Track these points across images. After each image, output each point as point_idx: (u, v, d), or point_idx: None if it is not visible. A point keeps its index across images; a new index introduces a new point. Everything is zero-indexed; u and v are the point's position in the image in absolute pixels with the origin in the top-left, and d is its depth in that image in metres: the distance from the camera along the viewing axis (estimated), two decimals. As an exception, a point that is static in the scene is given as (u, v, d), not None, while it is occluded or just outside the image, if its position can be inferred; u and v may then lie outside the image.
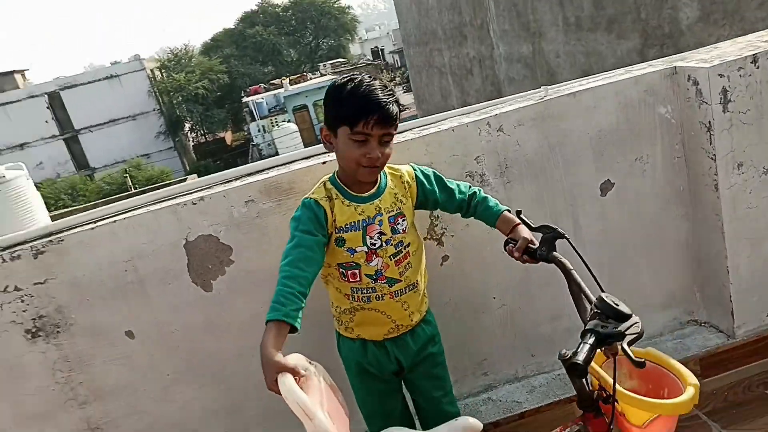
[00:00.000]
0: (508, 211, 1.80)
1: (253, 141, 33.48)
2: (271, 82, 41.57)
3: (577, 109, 2.23)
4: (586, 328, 1.36)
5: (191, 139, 46.73)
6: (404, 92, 35.77)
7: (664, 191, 2.37)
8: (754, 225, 2.28)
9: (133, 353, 2.11)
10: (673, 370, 1.52)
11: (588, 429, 1.55)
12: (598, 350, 1.43)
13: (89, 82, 40.85)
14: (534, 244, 1.67)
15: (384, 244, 1.71)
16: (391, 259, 1.73)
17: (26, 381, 2.08)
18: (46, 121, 40.63)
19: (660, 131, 2.30)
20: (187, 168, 40.83)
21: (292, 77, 39.74)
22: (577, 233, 2.35)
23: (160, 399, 2.17)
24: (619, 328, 1.33)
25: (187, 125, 45.47)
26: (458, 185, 1.87)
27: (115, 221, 2.04)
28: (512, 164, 2.23)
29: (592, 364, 1.53)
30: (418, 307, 1.81)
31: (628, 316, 1.35)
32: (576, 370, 1.31)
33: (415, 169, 1.85)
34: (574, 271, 1.53)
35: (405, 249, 1.76)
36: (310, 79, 38.64)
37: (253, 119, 33.44)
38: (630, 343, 1.32)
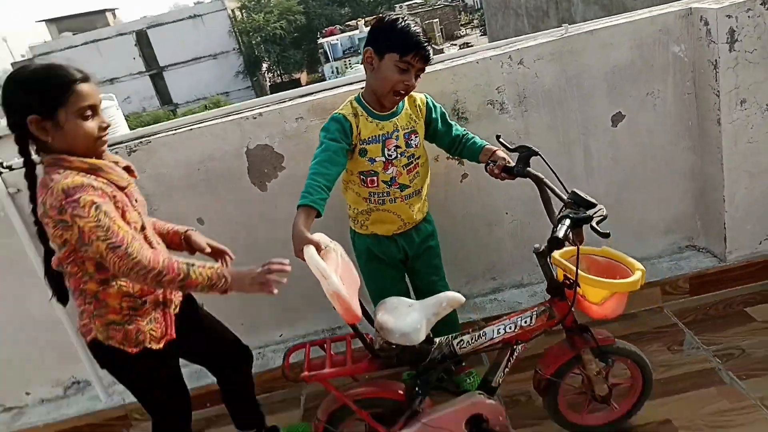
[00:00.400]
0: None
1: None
2: (347, 23, 41.48)
3: (595, 46, 2.46)
4: (562, 214, 1.67)
5: (268, 80, 47.77)
6: (481, 35, 34.87)
7: (674, 125, 2.58)
8: (755, 158, 2.47)
9: (203, 237, 2.60)
10: (624, 262, 1.82)
11: (553, 310, 1.89)
12: (565, 248, 1.77)
13: (174, 21, 42.17)
14: (511, 163, 1.97)
15: (399, 155, 2.06)
16: (403, 169, 2.08)
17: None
18: (134, 58, 42.55)
19: (673, 69, 2.50)
20: (263, 107, 42.03)
21: (367, 19, 39.49)
22: (588, 160, 2.61)
23: (223, 277, 2.66)
24: (587, 213, 1.65)
25: (265, 65, 46.38)
26: (455, 125, 2.18)
27: (192, 129, 2.50)
28: (530, 95, 2.51)
29: (560, 258, 1.87)
30: (421, 208, 2.17)
31: (594, 204, 1.66)
32: (556, 244, 1.61)
33: (427, 98, 2.17)
34: (546, 180, 1.83)
35: (416, 161, 2.10)
36: (386, 21, 38.29)
37: (328, 61, 33.75)
38: (597, 223, 1.62)
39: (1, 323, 2.72)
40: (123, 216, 1.62)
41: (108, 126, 1.65)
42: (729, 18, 2.29)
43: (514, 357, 1.94)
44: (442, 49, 29.22)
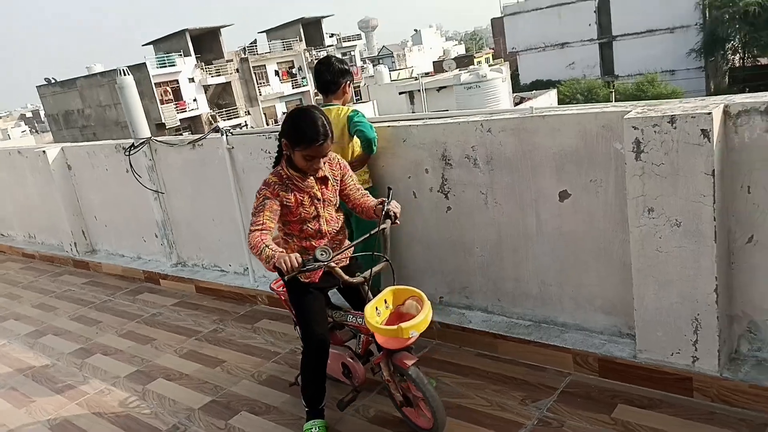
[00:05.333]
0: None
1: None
2: None
3: (546, 129, 2.80)
4: (311, 258, 2.37)
5: (729, 62, 42.66)
6: None
7: (614, 216, 2.70)
8: (662, 268, 2.47)
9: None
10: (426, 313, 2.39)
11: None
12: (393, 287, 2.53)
13: (642, -10, 41.15)
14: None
15: None
16: None
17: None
18: (589, 25, 43.76)
19: (614, 163, 2.63)
20: (710, 91, 38.13)
21: None
22: (539, 224, 2.97)
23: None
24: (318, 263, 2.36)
25: (729, 45, 41.51)
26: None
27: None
28: (495, 157, 3.02)
29: (370, 313, 2.44)
30: None
31: (319, 261, 2.34)
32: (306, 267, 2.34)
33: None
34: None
35: None
36: None
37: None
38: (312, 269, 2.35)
39: (223, 221, 4.76)
40: (297, 205, 2.53)
41: (316, 169, 2.53)
42: (635, 129, 2.38)
43: (361, 341, 2.82)
44: None
